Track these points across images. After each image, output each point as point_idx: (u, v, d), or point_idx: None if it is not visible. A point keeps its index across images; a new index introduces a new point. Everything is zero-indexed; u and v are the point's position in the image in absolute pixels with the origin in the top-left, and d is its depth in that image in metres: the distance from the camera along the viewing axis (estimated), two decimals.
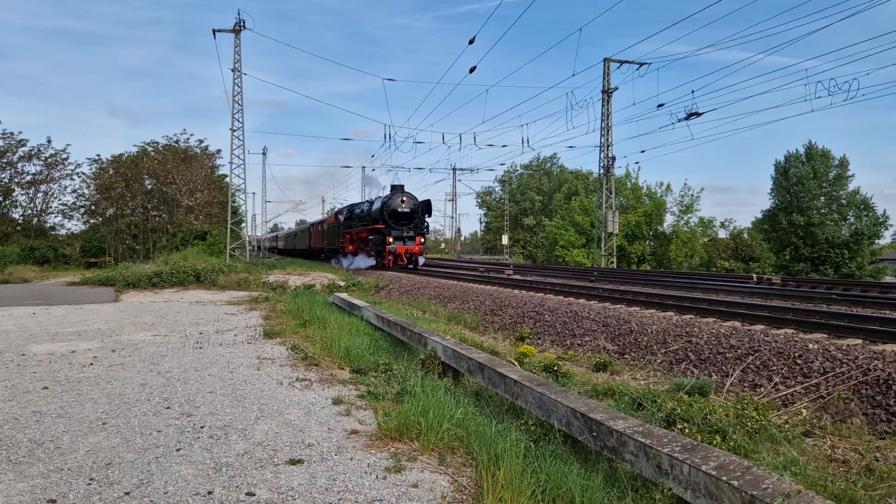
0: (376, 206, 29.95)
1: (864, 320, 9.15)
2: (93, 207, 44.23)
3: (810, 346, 7.43)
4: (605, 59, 33.29)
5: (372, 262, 30.23)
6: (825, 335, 8.10)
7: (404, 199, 29.16)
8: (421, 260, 30.50)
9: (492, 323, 12.70)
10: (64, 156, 43.30)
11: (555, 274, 25.65)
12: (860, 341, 7.65)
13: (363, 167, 75.11)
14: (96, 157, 44.56)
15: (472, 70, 22.16)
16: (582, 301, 13.39)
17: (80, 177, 44.21)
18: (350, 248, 33.91)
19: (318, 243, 47.55)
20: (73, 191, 44.58)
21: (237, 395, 6.32)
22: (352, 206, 36.53)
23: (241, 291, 20.33)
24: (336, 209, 41.02)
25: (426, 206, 30.19)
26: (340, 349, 8.30)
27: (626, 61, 32.24)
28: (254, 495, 3.74)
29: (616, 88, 33.49)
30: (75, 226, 45.63)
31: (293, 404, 5.92)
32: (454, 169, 68.85)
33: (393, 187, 30.09)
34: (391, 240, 28.49)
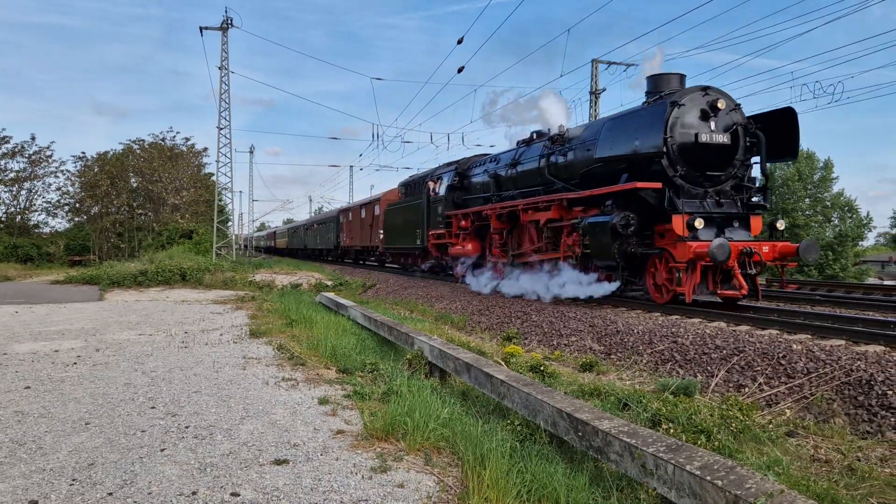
0: (650, 129, 10.76)
1: (847, 321, 9.22)
2: (77, 205, 43.90)
3: (794, 346, 7.49)
4: (593, 60, 33.33)
5: (597, 285, 12.11)
6: (809, 336, 8.16)
7: (719, 102, 10.58)
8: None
9: (479, 323, 12.71)
10: (48, 153, 42.99)
11: None
12: (843, 342, 7.71)
13: (350, 166, 74.75)
14: (81, 155, 44.28)
15: (460, 70, 22.14)
16: (569, 300, 13.41)
17: (64, 174, 43.93)
18: (468, 246, 17.00)
19: (360, 239, 31.01)
20: (58, 188, 44.27)
21: (222, 394, 6.28)
22: (465, 165, 18.90)
23: (228, 290, 20.23)
24: (411, 176, 24.41)
25: (779, 128, 11.17)
26: (327, 349, 8.27)
27: (614, 62, 32.34)
28: (238, 495, 3.72)
29: (604, 90, 33.57)
30: (59, 224, 45.37)
31: (279, 404, 5.89)
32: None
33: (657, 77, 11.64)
34: (699, 222, 10.12)
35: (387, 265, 29.09)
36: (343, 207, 37.89)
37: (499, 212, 15.10)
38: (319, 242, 42.24)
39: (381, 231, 26.31)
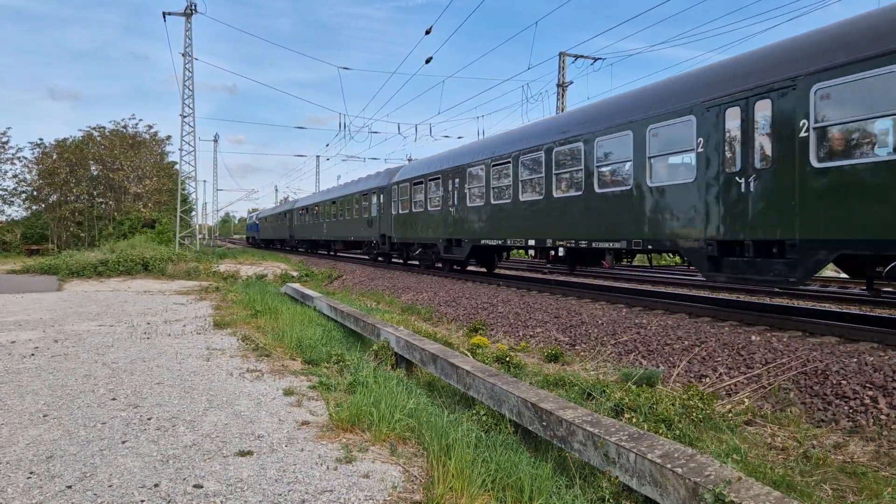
0: None
1: (804, 313, 9.47)
2: (35, 193, 42.74)
3: (753, 337, 7.66)
4: (560, 54, 33.51)
5: None
6: (767, 327, 8.36)
7: None
8: None
9: (446, 314, 12.73)
10: (4, 139, 41.67)
11: (508, 266, 25.81)
12: (800, 333, 7.92)
13: (317, 156, 73.95)
14: (39, 142, 43.03)
15: (428, 61, 22.07)
16: (535, 293, 13.52)
17: (21, 161, 42.64)
18: None
19: None
20: (14, 176, 42.95)
21: (186, 386, 6.20)
22: None
23: (191, 281, 19.93)
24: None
25: None
26: (292, 340, 8.21)
27: (581, 56, 32.55)
28: (202, 487, 3.68)
29: (571, 83, 33.77)
30: (16, 212, 44.04)
31: (243, 395, 5.84)
32: (409, 160, 68.66)
33: None
34: None
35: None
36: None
37: None
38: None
39: None
